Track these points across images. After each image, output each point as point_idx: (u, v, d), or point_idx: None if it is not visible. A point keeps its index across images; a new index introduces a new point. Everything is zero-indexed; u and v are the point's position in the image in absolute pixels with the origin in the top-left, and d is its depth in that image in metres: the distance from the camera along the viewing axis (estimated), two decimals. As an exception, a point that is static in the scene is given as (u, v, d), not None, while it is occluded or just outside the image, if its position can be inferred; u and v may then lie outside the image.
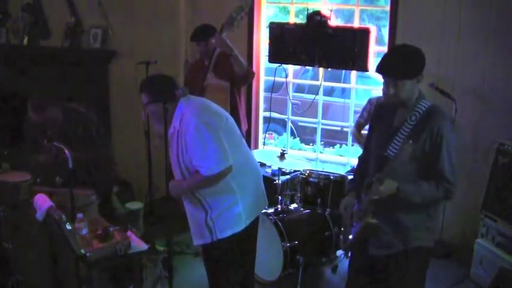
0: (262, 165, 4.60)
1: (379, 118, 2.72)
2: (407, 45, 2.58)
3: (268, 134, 5.92)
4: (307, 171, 4.09)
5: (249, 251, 3.07)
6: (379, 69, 2.51)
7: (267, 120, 5.19)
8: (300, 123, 7.19)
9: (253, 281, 3.27)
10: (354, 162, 4.43)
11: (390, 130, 2.56)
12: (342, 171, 4.56)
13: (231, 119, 2.99)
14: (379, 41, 5.04)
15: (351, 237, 2.70)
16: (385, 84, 2.49)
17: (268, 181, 4.33)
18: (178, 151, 2.84)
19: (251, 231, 2.99)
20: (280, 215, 3.92)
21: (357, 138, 4.48)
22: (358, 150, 4.45)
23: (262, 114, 5.31)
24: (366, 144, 2.84)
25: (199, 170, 2.77)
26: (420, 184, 2.46)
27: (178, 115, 2.83)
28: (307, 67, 5.26)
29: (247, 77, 4.19)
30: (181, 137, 2.82)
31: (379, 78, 4.21)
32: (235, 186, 2.87)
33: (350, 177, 3.91)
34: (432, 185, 2.45)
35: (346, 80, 6.56)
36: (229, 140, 2.82)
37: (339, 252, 4.07)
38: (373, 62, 4.40)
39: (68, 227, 2.74)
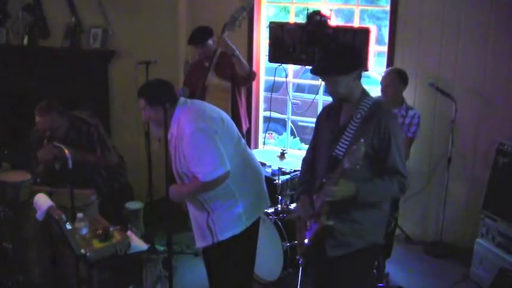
0: (262, 165, 4.59)
1: (325, 118, 2.70)
2: (342, 43, 2.63)
3: (268, 133, 5.92)
4: (307, 171, 4.08)
5: (249, 251, 3.06)
6: (312, 71, 2.55)
7: (267, 120, 5.19)
8: (300, 123, 7.19)
9: (252, 281, 3.26)
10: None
11: (336, 129, 2.54)
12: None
13: (229, 120, 2.97)
14: (379, 41, 5.04)
15: (306, 241, 2.63)
16: (324, 82, 2.55)
17: (268, 181, 4.33)
18: (176, 157, 2.85)
19: (252, 231, 2.99)
20: (280, 215, 3.92)
21: None
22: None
23: (262, 114, 5.31)
24: (312, 144, 2.80)
25: (197, 176, 2.77)
26: (376, 182, 2.44)
27: (175, 121, 2.84)
28: (307, 67, 5.24)
29: (249, 77, 4.19)
30: (178, 144, 2.82)
31: (378, 77, 4.24)
32: (234, 188, 2.86)
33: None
34: (387, 181, 2.43)
35: (346, 80, 6.55)
36: (226, 143, 2.81)
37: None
38: (373, 62, 4.39)
39: (68, 227, 2.74)
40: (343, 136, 2.47)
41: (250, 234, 2.99)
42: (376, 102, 2.52)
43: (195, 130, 2.74)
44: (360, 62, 2.50)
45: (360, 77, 2.52)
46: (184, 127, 2.78)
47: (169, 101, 2.81)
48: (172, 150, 2.88)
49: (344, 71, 2.44)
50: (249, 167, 3.00)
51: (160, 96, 2.81)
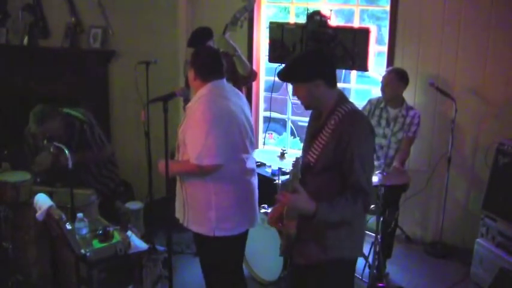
0: (262, 165, 4.61)
1: (310, 121, 2.62)
2: (308, 50, 2.51)
3: (268, 133, 5.93)
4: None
5: (228, 259, 3.06)
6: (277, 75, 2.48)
7: (267, 120, 5.19)
8: (300, 123, 7.17)
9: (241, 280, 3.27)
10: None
11: (312, 133, 2.45)
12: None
13: (247, 130, 2.94)
14: (379, 41, 5.04)
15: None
16: None
17: (268, 181, 4.34)
18: (183, 127, 2.88)
19: (228, 245, 2.97)
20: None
21: None
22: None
23: (262, 114, 5.31)
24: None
25: (189, 155, 2.79)
26: (338, 202, 2.25)
27: (198, 95, 2.87)
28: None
29: (250, 77, 4.20)
30: (189, 116, 2.84)
31: (379, 78, 4.23)
32: (213, 193, 2.86)
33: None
34: (349, 200, 2.25)
35: (346, 80, 6.57)
36: (233, 146, 2.83)
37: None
38: (373, 62, 4.39)
39: (68, 227, 2.74)
40: (316, 142, 2.38)
41: (229, 246, 2.98)
42: (349, 112, 2.36)
43: (208, 112, 2.76)
44: (320, 72, 2.35)
45: (329, 85, 2.37)
46: (201, 103, 2.80)
47: (200, 71, 2.87)
48: (183, 120, 2.92)
49: (298, 79, 2.39)
50: (242, 182, 2.96)
51: (196, 60, 2.89)
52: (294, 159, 2.29)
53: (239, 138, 2.88)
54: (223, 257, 3.02)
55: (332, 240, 2.39)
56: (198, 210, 2.91)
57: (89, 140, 3.84)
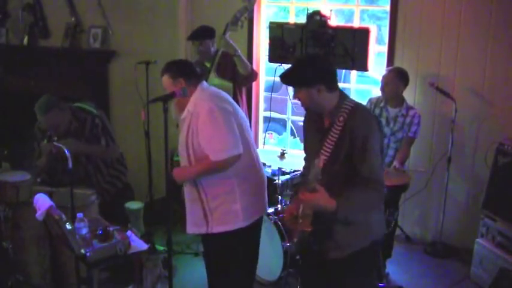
0: (262, 165, 4.60)
1: (308, 120, 2.67)
2: (307, 55, 2.53)
3: (268, 133, 5.92)
4: (307, 171, 4.08)
5: (247, 252, 3.06)
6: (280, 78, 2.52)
7: (267, 120, 5.19)
8: (300, 123, 7.15)
9: (253, 283, 3.26)
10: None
11: (321, 132, 2.50)
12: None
13: (245, 120, 3.01)
14: (379, 41, 5.04)
15: (295, 240, 2.57)
16: None
17: (268, 181, 4.33)
18: (188, 134, 2.87)
19: (251, 233, 2.99)
20: (280, 215, 3.92)
21: None
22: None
23: (262, 114, 5.31)
24: (304, 147, 2.77)
25: (208, 155, 2.79)
26: (350, 194, 2.32)
27: (193, 100, 2.89)
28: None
29: (250, 77, 4.20)
30: (194, 120, 2.85)
31: (379, 78, 4.23)
32: (236, 184, 2.88)
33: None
34: (362, 189, 2.33)
35: (346, 80, 6.58)
36: (241, 137, 2.86)
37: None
38: (373, 62, 4.39)
39: (68, 226, 2.74)
40: (327, 140, 2.43)
41: (250, 236, 2.99)
42: (355, 106, 2.45)
43: (214, 108, 2.80)
44: (321, 77, 2.41)
45: (330, 89, 2.43)
46: (203, 104, 2.84)
47: (189, 77, 2.90)
48: (185, 128, 2.91)
49: (301, 84, 2.43)
50: (255, 169, 3.02)
51: (181, 69, 2.92)
52: (316, 161, 2.27)
53: (242, 130, 2.92)
54: (250, 247, 3.05)
55: (372, 225, 2.49)
56: (222, 208, 2.90)
57: (99, 134, 3.83)
